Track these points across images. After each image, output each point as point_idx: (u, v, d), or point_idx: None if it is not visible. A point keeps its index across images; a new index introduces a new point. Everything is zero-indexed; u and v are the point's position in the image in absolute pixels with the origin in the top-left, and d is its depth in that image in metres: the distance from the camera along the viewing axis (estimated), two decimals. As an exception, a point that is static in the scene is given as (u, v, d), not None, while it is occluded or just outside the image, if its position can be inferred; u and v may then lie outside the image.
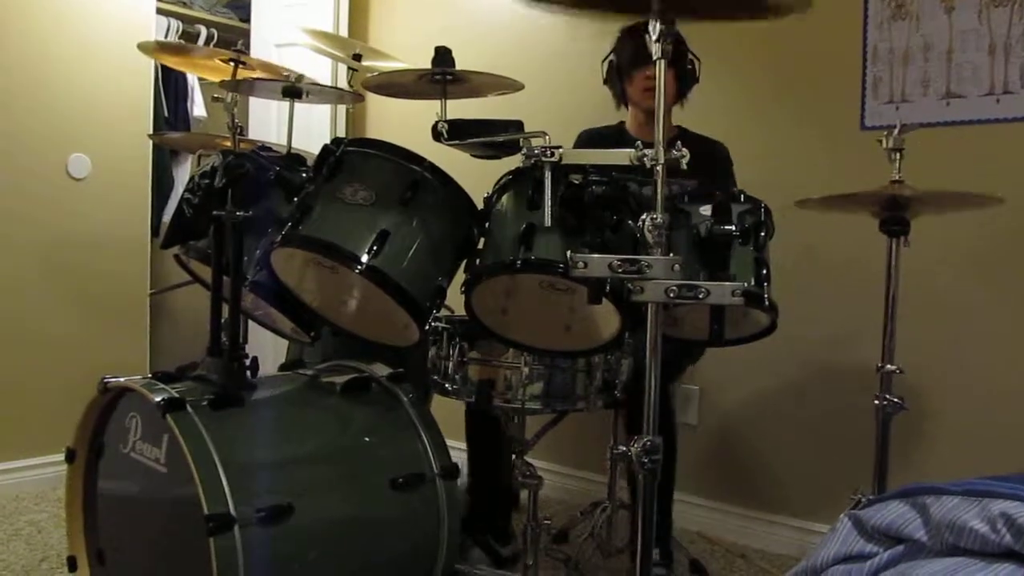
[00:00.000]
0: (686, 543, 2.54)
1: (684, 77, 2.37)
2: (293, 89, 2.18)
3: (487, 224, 1.75)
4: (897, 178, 1.87)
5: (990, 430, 2.34)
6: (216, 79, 2.52)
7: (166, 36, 3.82)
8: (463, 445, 2.54)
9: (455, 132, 1.76)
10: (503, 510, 2.60)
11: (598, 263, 1.38)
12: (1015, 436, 2.29)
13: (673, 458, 2.31)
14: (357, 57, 2.59)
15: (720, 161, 2.43)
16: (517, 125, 1.71)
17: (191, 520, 1.56)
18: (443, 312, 1.94)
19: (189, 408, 1.66)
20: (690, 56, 2.37)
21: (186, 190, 2.03)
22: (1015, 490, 0.95)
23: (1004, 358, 2.34)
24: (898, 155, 1.88)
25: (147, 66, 3.31)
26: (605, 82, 2.51)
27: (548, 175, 1.51)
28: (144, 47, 2.60)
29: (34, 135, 3.02)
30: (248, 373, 1.89)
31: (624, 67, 2.43)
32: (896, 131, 1.88)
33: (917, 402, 2.26)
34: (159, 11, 3.58)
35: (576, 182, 1.58)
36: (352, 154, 1.79)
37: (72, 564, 1.93)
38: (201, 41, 3.98)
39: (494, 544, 2.53)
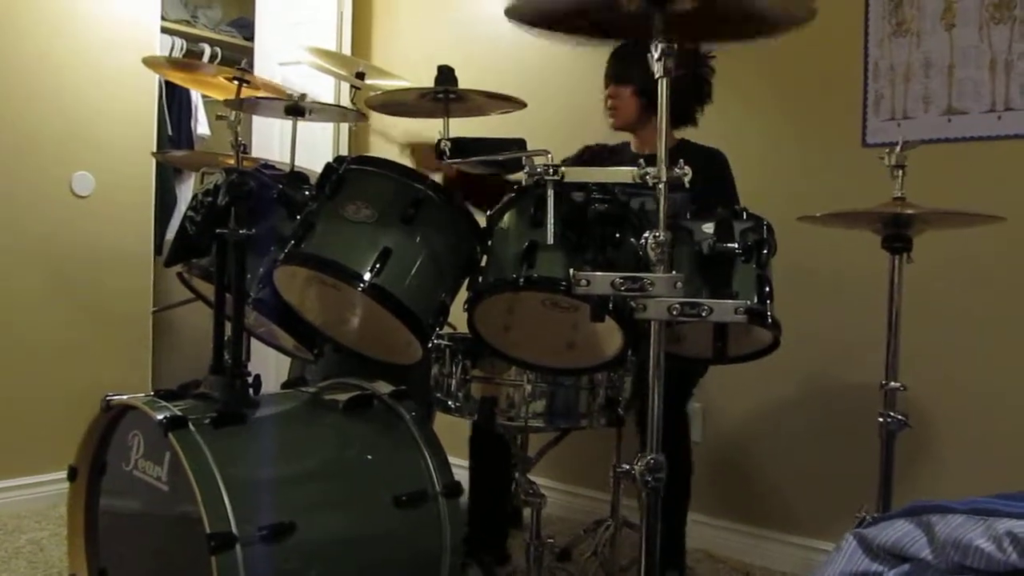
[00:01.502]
0: (691, 561, 2.53)
1: (650, 98, 2.33)
2: (296, 107, 2.19)
3: (489, 242, 1.75)
4: (899, 195, 1.87)
5: (995, 447, 2.33)
6: (220, 97, 2.54)
7: (170, 55, 3.85)
8: (465, 462, 2.53)
9: (458, 150, 1.76)
10: (502, 529, 2.59)
11: (601, 280, 1.37)
12: (1020, 454, 2.28)
13: (688, 480, 2.30)
14: (360, 75, 2.61)
15: (716, 168, 2.39)
16: (519, 143, 1.72)
17: (193, 538, 1.56)
18: (446, 329, 1.94)
19: (191, 426, 1.67)
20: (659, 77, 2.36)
21: (189, 208, 2.03)
22: (1021, 509, 0.94)
23: (1008, 375, 2.33)
24: (900, 172, 1.87)
25: (151, 84, 3.33)
26: None
27: (550, 193, 1.51)
28: (150, 62, 2.62)
29: (38, 153, 3.03)
30: (250, 391, 1.89)
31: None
32: (898, 148, 1.88)
33: (921, 419, 2.25)
34: (163, 30, 3.60)
35: (578, 200, 1.59)
36: (354, 172, 1.80)
37: (73, 583, 1.93)
38: (205, 60, 4.01)
39: (491, 563, 2.52)
